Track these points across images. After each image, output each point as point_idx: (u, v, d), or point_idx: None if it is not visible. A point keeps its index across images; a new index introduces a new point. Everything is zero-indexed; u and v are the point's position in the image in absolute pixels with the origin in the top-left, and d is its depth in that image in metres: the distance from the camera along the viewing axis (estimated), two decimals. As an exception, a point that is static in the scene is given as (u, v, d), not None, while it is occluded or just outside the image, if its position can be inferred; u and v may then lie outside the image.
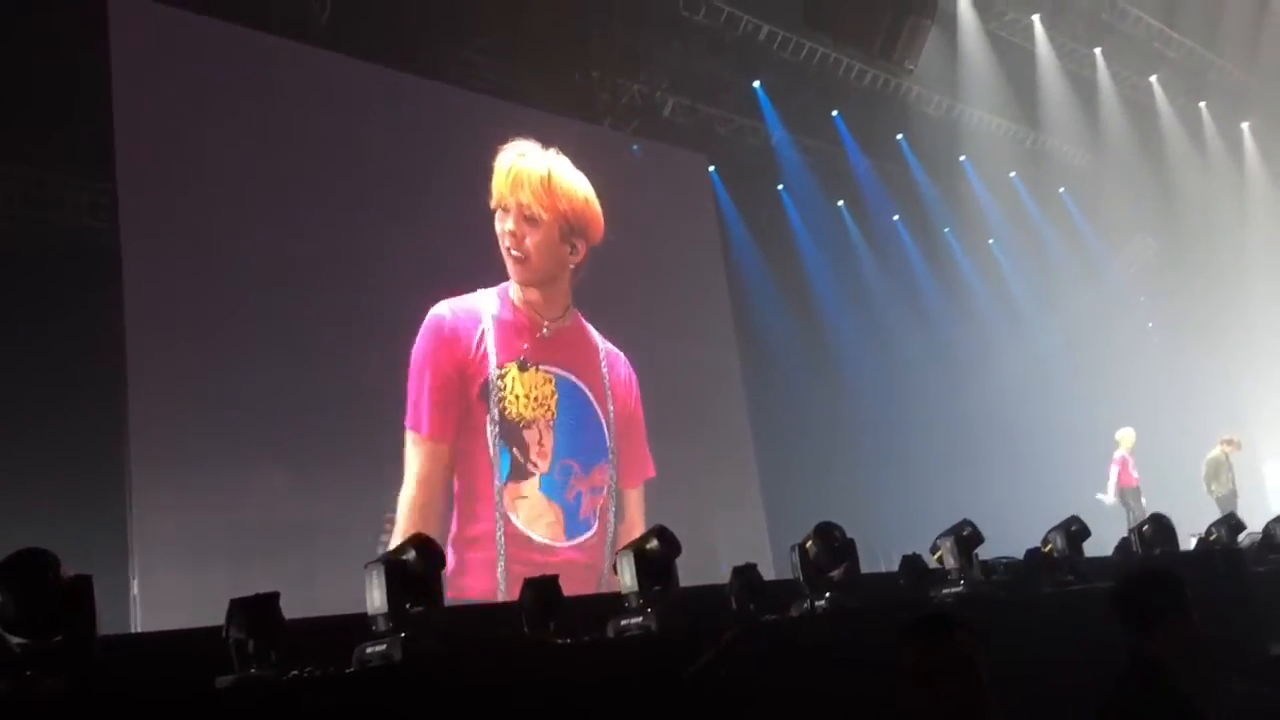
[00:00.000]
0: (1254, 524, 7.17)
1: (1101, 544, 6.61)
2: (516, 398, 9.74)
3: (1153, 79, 16.87)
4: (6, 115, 8.18)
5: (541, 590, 4.16)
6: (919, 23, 11.09)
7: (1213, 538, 6.97)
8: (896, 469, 13.50)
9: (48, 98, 8.29)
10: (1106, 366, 16.59)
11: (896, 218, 16.00)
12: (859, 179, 15.23)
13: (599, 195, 11.40)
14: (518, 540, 9.39)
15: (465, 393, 9.46)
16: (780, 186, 14.60)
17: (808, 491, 11.60)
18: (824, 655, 4.08)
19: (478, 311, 9.68)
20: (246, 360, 8.33)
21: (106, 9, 8.19)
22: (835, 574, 4.82)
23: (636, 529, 10.02)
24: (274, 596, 3.37)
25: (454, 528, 9.08)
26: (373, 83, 9.79)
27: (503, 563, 9.19)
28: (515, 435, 9.68)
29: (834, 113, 14.64)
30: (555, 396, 9.99)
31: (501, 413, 9.60)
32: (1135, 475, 12.91)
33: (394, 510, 8.88)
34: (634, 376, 10.81)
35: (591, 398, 10.36)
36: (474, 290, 9.82)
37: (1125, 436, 13.13)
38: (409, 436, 9.11)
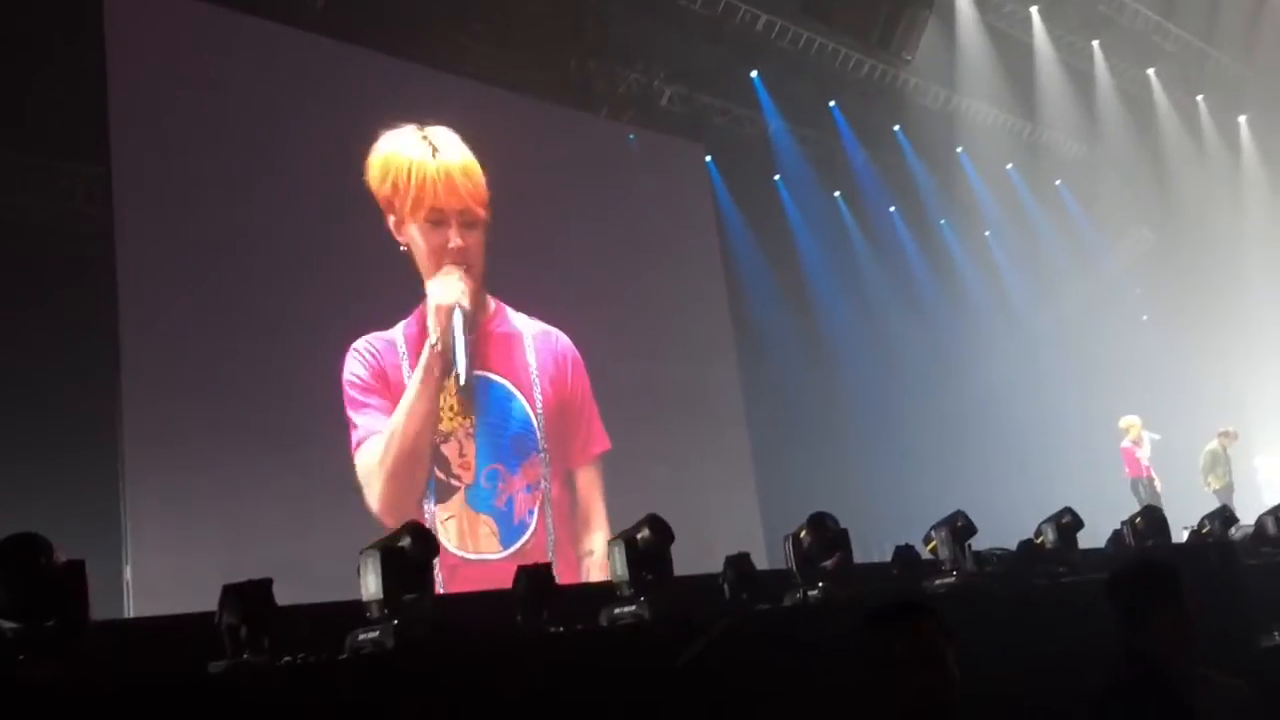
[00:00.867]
0: (1247, 517, 7.18)
1: (1096, 536, 6.62)
2: None
3: (1150, 72, 16.86)
4: (0, 99, 8.14)
5: (535, 578, 4.16)
6: (917, 13, 11.10)
7: (1205, 530, 6.98)
8: (890, 459, 13.51)
9: (41, 82, 8.25)
10: (1101, 358, 16.61)
11: (893, 209, 16.00)
12: (856, 170, 15.23)
13: (595, 185, 11.39)
14: (450, 566, 8.82)
15: (383, 414, 9.03)
16: (777, 176, 14.59)
17: (801, 481, 11.63)
18: (816, 645, 4.08)
19: (394, 339, 9.19)
20: (241, 345, 8.32)
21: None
22: (828, 564, 4.83)
23: (593, 507, 9.99)
24: (267, 583, 3.37)
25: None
26: (367, 68, 9.76)
27: (441, 590, 8.94)
28: (434, 453, 9.25)
29: (831, 103, 14.63)
30: (471, 402, 9.49)
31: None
32: (1145, 464, 12.71)
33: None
34: (571, 352, 10.36)
35: (515, 391, 9.87)
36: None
37: (1129, 425, 12.91)
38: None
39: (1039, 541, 5.92)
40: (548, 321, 10.31)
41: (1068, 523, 5.96)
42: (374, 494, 8.74)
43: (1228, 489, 12.55)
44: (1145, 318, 18.41)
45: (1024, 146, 16.78)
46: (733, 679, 3.71)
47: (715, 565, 4.83)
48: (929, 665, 2.41)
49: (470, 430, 9.43)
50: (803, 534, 4.83)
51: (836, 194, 15.34)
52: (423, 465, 9.08)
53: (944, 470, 13.10)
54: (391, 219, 9.34)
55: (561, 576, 4.55)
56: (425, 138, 9.66)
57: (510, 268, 10.08)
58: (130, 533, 7.50)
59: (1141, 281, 18.13)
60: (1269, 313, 16.49)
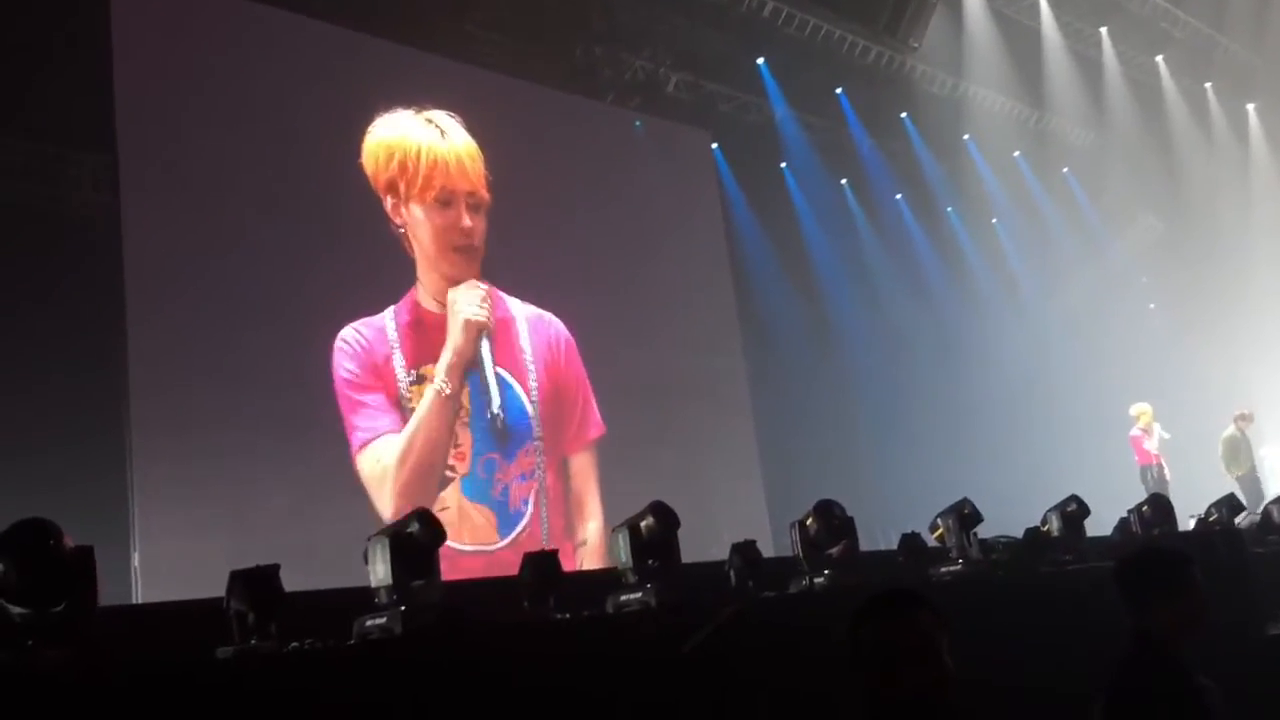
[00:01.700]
0: (1253, 505, 7.18)
1: (1103, 524, 6.62)
2: None
3: (1159, 59, 16.78)
4: (6, 88, 8.14)
5: (541, 565, 4.17)
6: (924, 0, 11.06)
7: (1212, 519, 6.98)
8: (896, 447, 13.50)
9: (48, 70, 8.24)
10: (1108, 346, 16.57)
11: (899, 196, 15.95)
12: (862, 157, 15.18)
13: (601, 172, 11.37)
14: (446, 557, 8.69)
15: (383, 412, 8.95)
16: (783, 164, 14.55)
17: (807, 469, 11.63)
18: (822, 632, 4.08)
19: (383, 325, 9.09)
20: (248, 331, 8.33)
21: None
22: (834, 551, 4.83)
23: (588, 493, 9.92)
24: (274, 568, 3.38)
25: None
26: (372, 56, 9.74)
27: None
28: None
29: (838, 90, 14.58)
30: (466, 389, 9.39)
31: (413, 424, 9.19)
32: (1155, 452, 12.58)
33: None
34: (565, 336, 10.25)
35: (509, 377, 9.75)
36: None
37: (1140, 412, 12.74)
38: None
39: (1045, 529, 5.92)
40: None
41: (1073, 511, 5.97)
42: (383, 501, 8.64)
43: (1251, 475, 12.34)
44: (1152, 306, 18.37)
45: (1031, 134, 16.72)
46: (738, 666, 3.71)
47: (721, 552, 4.84)
48: (928, 658, 2.28)
49: (465, 420, 9.32)
50: (809, 521, 4.85)
51: (843, 181, 15.31)
52: (436, 477, 9.04)
53: (950, 458, 13.08)
54: (390, 200, 9.25)
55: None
56: (430, 120, 9.62)
57: (514, 254, 10.05)
58: (138, 519, 7.52)
59: (1149, 269, 18.07)
60: (1277, 301, 16.44)
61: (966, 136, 16.20)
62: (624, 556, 4.28)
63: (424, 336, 9.25)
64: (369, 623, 3.51)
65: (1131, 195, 17.28)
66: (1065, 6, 15.01)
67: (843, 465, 12.19)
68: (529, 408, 9.82)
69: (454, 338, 9.26)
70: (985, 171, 16.54)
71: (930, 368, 14.79)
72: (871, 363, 14.37)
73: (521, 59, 11.39)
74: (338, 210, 9.06)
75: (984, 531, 5.55)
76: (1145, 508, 6.57)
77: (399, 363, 9.00)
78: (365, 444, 8.72)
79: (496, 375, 9.56)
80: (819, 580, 4.70)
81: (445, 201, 9.45)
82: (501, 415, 9.44)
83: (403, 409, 9.00)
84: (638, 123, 12.30)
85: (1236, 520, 6.91)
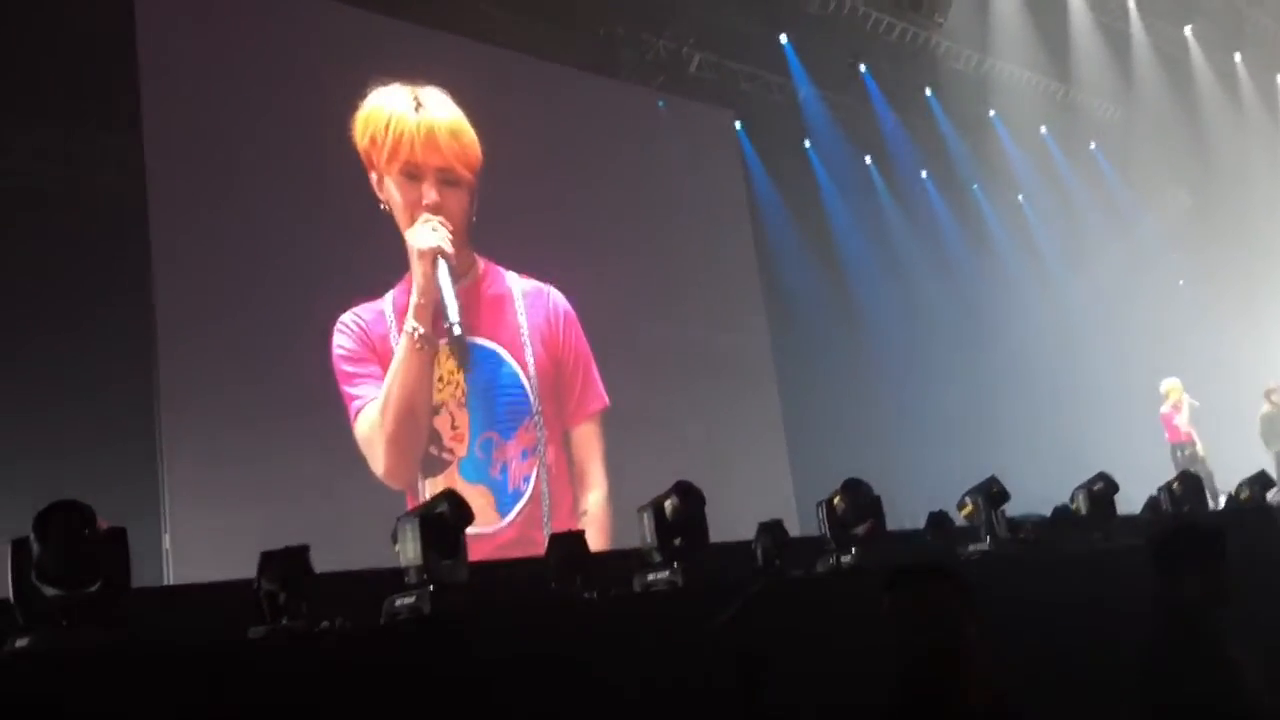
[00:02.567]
0: (1283, 483, 7.11)
1: (1132, 502, 6.59)
2: None
3: (1187, 30, 16.57)
4: (33, 73, 8.20)
5: (568, 545, 4.19)
6: (949, -25, 10.96)
7: (1243, 495, 6.93)
8: (922, 425, 13.46)
9: (72, 55, 8.29)
10: (1137, 323, 16.43)
11: (924, 173, 15.84)
12: (886, 135, 15.06)
13: (624, 151, 11.33)
14: None
15: (377, 382, 8.83)
16: (807, 142, 14.47)
17: (833, 447, 11.59)
18: (850, 611, 4.08)
19: (381, 309, 8.96)
20: (277, 310, 8.36)
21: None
22: (860, 530, 4.83)
23: (591, 465, 9.80)
24: (304, 549, 3.41)
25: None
26: (389, 36, 9.72)
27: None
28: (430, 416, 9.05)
29: (862, 67, 14.47)
30: (461, 370, 9.22)
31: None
32: (1186, 429, 12.43)
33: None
34: (564, 308, 10.04)
35: (506, 354, 9.57)
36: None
37: (1170, 389, 12.60)
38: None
39: (1074, 508, 5.90)
40: (577, 285, 10.18)
41: (1101, 489, 5.94)
42: (376, 460, 8.59)
43: None
44: (1181, 282, 18.19)
45: (1057, 108, 16.54)
46: (766, 645, 3.72)
47: (747, 531, 4.84)
48: (945, 629, 2.37)
49: (461, 400, 9.21)
50: (836, 500, 4.85)
51: (867, 159, 15.20)
52: (422, 425, 8.91)
53: (977, 435, 13.03)
54: (373, 175, 9.18)
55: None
56: (413, 94, 9.48)
57: (539, 231, 10.02)
58: (169, 500, 7.58)
59: (1178, 245, 17.89)
60: (1308, 275, 16.27)
61: (992, 112, 16.05)
62: (649, 537, 4.29)
63: (403, 315, 9.08)
64: (399, 602, 3.54)
65: (1160, 170, 17.09)
66: (1092, -22, 14.86)
67: (868, 443, 12.15)
68: (526, 383, 9.68)
69: (416, 276, 9.09)
70: (1011, 147, 16.39)
71: (956, 345, 14.72)
72: (897, 340, 14.31)
73: (543, 39, 11.35)
74: (364, 190, 9.07)
75: (1011, 510, 5.53)
76: (1176, 485, 6.53)
77: (394, 341, 8.93)
78: (358, 412, 8.66)
79: (483, 345, 9.44)
80: (846, 559, 4.70)
81: (411, 175, 9.27)
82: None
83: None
84: (661, 102, 12.25)
85: (1268, 496, 6.86)
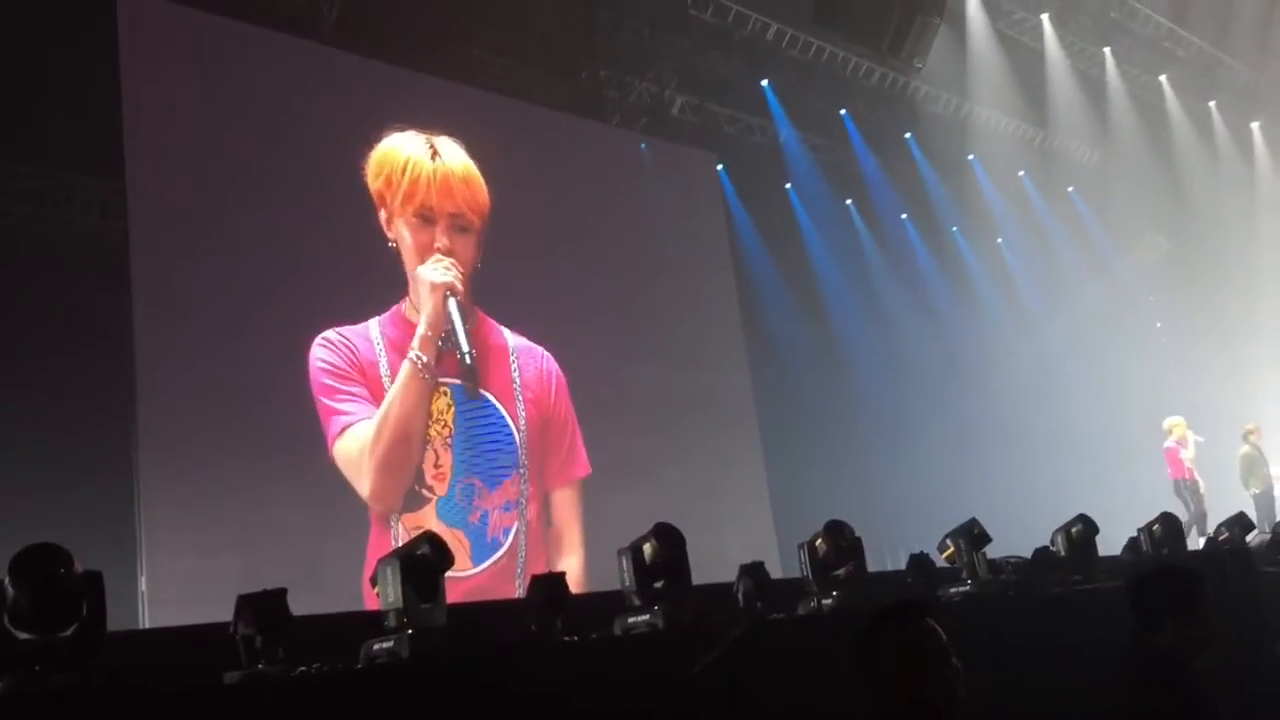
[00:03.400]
0: (1266, 522, 7.15)
1: (1112, 544, 6.60)
2: None
3: (1162, 78, 16.84)
4: (16, 114, 8.21)
5: (549, 587, 4.16)
6: (927, 21, 11.12)
7: (1222, 537, 6.96)
8: (904, 466, 13.48)
9: (56, 96, 8.31)
10: (1114, 365, 16.55)
11: (905, 216, 15.98)
12: (867, 178, 15.22)
13: (607, 194, 11.39)
14: None
15: (363, 402, 8.80)
16: (788, 185, 14.59)
17: (815, 490, 11.60)
18: (830, 653, 4.07)
19: (366, 333, 8.96)
20: (255, 354, 8.33)
21: (115, 6, 8.21)
22: (842, 572, 4.82)
23: (569, 530, 9.74)
24: (281, 593, 3.38)
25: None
26: (380, 80, 9.79)
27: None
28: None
29: (842, 111, 14.64)
30: (451, 410, 9.22)
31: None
32: (1189, 467, 12.38)
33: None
34: (555, 371, 10.06)
35: (498, 405, 9.58)
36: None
37: (1173, 425, 12.58)
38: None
39: (1054, 549, 5.90)
40: (559, 330, 10.22)
41: (1080, 531, 5.94)
42: (360, 481, 8.53)
43: (1267, 493, 12.21)
44: (1159, 325, 18.34)
45: (1036, 153, 16.76)
46: (747, 687, 3.70)
47: (728, 573, 4.83)
48: (949, 658, 2.39)
49: (447, 440, 9.18)
50: (818, 542, 4.83)
51: (848, 202, 15.34)
52: (415, 452, 8.88)
53: (958, 477, 13.05)
54: (383, 214, 9.25)
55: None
56: (429, 141, 9.63)
57: (520, 276, 10.03)
58: (145, 544, 7.52)
59: (1155, 288, 18.07)
60: (1284, 318, 16.42)
61: (971, 156, 16.24)
62: (627, 580, 4.27)
63: (396, 348, 9.10)
64: (376, 646, 3.51)
65: (1137, 214, 17.29)
66: (1068, 26, 15.09)
67: (850, 484, 12.17)
68: (516, 436, 9.66)
69: (425, 308, 9.13)
70: (990, 191, 16.57)
71: (937, 387, 14.78)
72: (878, 382, 14.37)
73: (527, 82, 11.46)
74: (347, 232, 9.08)
75: (992, 551, 5.54)
76: (1156, 526, 6.54)
77: (384, 370, 8.92)
78: (344, 428, 8.56)
79: (482, 398, 9.44)
80: (827, 602, 4.69)
81: (425, 219, 9.36)
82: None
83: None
84: (643, 145, 12.34)
85: (1247, 539, 6.88)
